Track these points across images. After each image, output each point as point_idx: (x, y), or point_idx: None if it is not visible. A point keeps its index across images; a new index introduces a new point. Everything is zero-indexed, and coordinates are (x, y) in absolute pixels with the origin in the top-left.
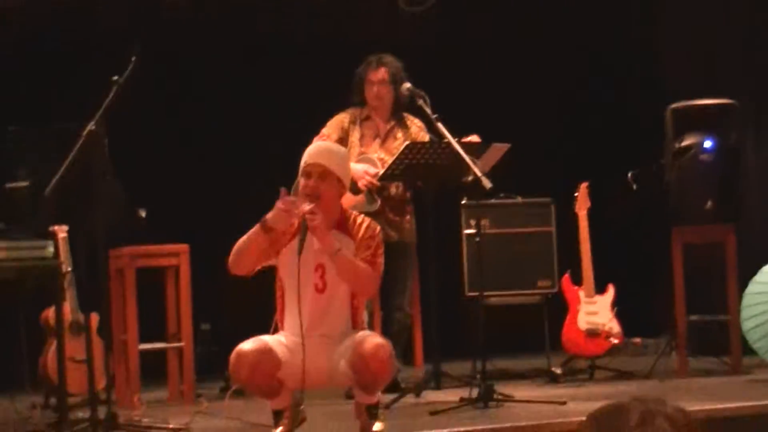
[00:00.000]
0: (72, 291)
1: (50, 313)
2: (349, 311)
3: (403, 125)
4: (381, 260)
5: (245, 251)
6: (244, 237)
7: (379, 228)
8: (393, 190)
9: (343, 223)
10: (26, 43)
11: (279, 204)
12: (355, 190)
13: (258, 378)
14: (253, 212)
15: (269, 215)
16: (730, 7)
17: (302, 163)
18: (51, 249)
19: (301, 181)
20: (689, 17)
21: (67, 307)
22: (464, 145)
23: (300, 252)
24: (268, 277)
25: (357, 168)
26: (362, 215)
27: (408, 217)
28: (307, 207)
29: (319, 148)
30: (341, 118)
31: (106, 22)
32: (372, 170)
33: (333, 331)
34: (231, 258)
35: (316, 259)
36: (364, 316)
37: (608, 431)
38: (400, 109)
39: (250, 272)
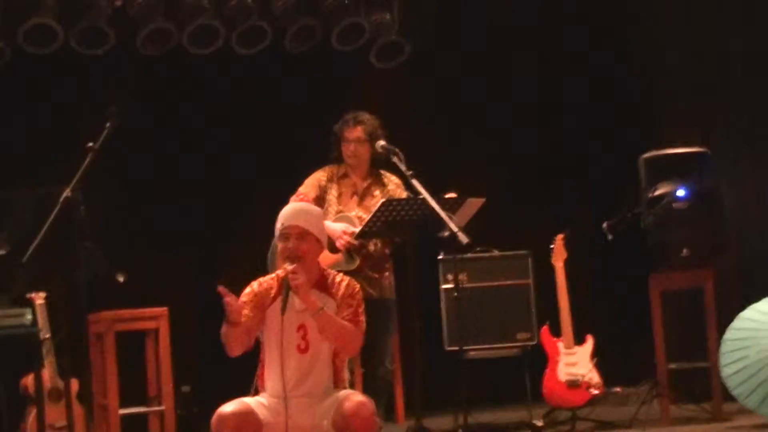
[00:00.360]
0: (51, 357)
1: (30, 380)
2: (332, 370)
3: (380, 183)
4: (363, 318)
5: (229, 342)
6: (223, 331)
7: (358, 286)
8: (372, 247)
9: (322, 283)
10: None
11: (234, 305)
12: (334, 249)
13: None
14: (232, 274)
15: (228, 313)
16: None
17: (279, 226)
18: (29, 316)
19: (279, 244)
20: (667, 69)
21: (47, 374)
22: (440, 201)
23: (283, 312)
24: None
25: (335, 227)
26: (341, 274)
27: (387, 273)
28: (289, 266)
29: (294, 210)
30: (318, 177)
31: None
32: (350, 229)
33: (316, 391)
34: (225, 347)
35: (298, 319)
36: (346, 374)
37: None
38: (378, 166)
39: (251, 347)
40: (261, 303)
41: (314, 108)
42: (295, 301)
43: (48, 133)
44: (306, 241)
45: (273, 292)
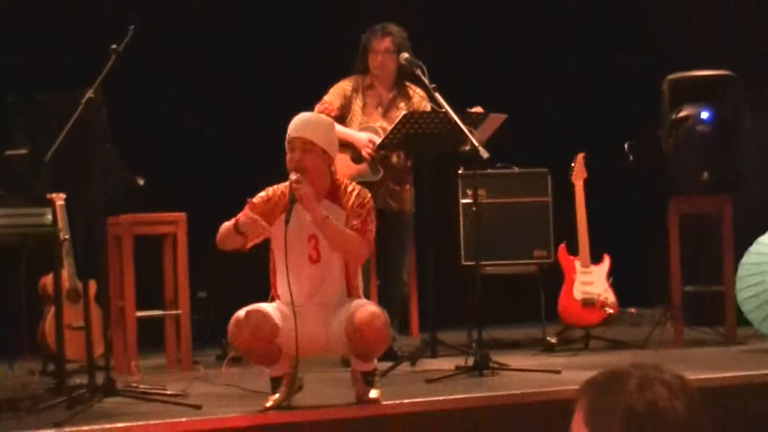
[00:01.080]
0: (70, 258)
1: (48, 280)
2: (344, 279)
3: (405, 95)
4: (372, 227)
5: (226, 241)
6: (224, 228)
7: (369, 196)
8: (394, 159)
9: (333, 192)
10: (23, 10)
11: (245, 218)
12: (359, 158)
13: (257, 342)
14: (251, 181)
15: (241, 219)
16: None
17: (287, 136)
18: (49, 216)
19: (287, 153)
20: None
21: (65, 274)
22: (462, 115)
23: (287, 222)
24: (265, 246)
25: (361, 136)
26: (353, 184)
27: (408, 186)
28: (293, 177)
29: (301, 121)
30: (344, 86)
31: None
32: (376, 139)
33: (328, 300)
34: (217, 239)
35: (309, 229)
36: (361, 285)
37: (606, 397)
38: (403, 78)
39: (240, 250)
40: (272, 210)
41: (339, 21)
42: (305, 212)
43: (72, 35)
44: (310, 152)
45: (285, 200)
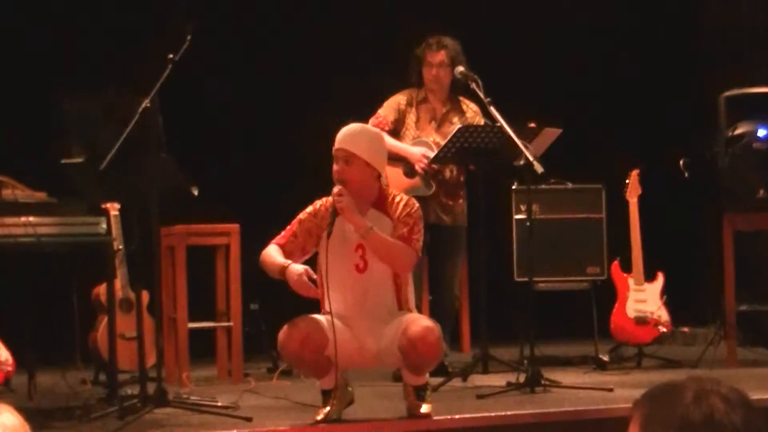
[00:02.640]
0: (123, 268)
1: (101, 289)
2: (393, 290)
3: (459, 109)
4: (418, 236)
5: (267, 271)
6: (268, 258)
7: (417, 205)
8: (447, 173)
9: (381, 203)
10: (79, 16)
11: (299, 284)
12: (412, 173)
13: (307, 353)
14: (304, 191)
15: (289, 273)
16: None
17: (333, 148)
18: (104, 225)
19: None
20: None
21: (118, 284)
22: (516, 129)
23: (329, 235)
24: (317, 258)
25: (415, 151)
26: (402, 194)
27: (461, 201)
28: (335, 189)
29: (345, 133)
30: (398, 100)
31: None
32: (429, 154)
33: (378, 312)
34: (261, 261)
35: (355, 239)
36: (412, 298)
37: (662, 408)
38: (457, 92)
39: None
40: (319, 224)
41: (392, 33)
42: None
43: (128, 43)
44: (352, 164)
45: (327, 214)
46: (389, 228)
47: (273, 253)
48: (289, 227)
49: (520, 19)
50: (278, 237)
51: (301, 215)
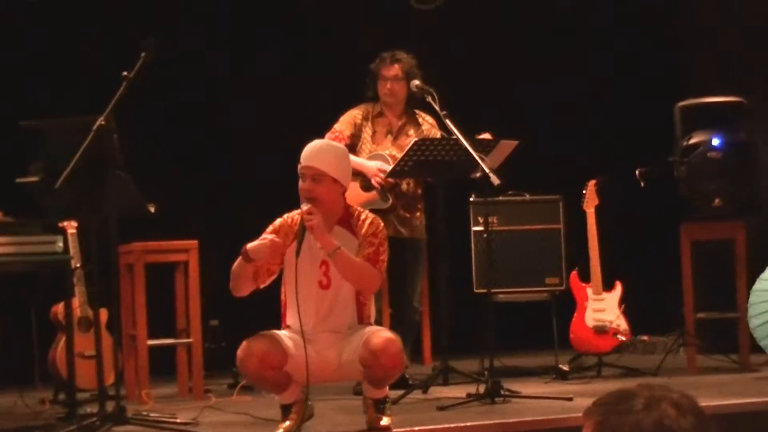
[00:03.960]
0: (81, 287)
1: (60, 308)
2: (355, 306)
3: (415, 122)
4: (384, 257)
5: (238, 279)
6: (234, 266)
7: (382, 224)
8: (405, 186)
9: (346, 220)
10: (33, 37)
11: (266, 242)
12: (368, 186)
13: (266, 370)
14: (262, 208)
15: (251, 246)
16: (743, 4)
17: (299, 164)
18: (61, 244)
19: (299, 182)
20: (701, 14)
21: (77, 302)
22: (473, 142)
23: (298, 253)
24: (282, 274)
25: (371, 165)
26: (367, 211)
27: (419, 214)
28: (304, 207)
29: (312, 150)
30: (354, 114)
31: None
32: (386, 167)
33: (340, 327)
34: (230, 284)
35: (320, 255)
36: (372, 312)
37: (613, 416)
38: (413, 105)
39: (256, 289)
40: (283, 240)
41: (349, 47)
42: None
43: (83, 62)
44: (321, 182)
45: (295, 229)
46: (354, 246)
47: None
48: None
49: (476, 31)
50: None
51: (264, 235)
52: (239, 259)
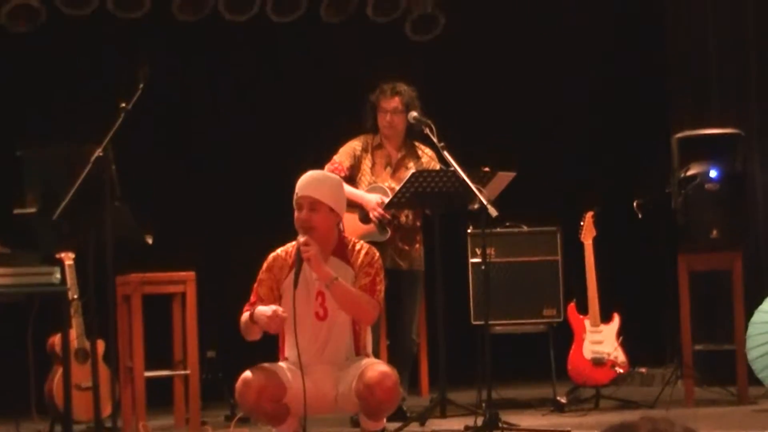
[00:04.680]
0: (78, 318)
1: (57, 339)
2: (352, 337)
3: (414, 155)
4: (381, 287)
5: (247, 332)
6: (242, 322)
7: (378, 254)
8: (403, 219)
9: (341, 250)
10: (32, 65)
11: (272, 317)
12: (367, 219)
13: (264, 403)
14: (260, 240)
15: (258, 314)
16: (736, 34)
17: (294, 194)
18: (58, 275)
19: (295, 213)
20: (694, 45)
21: (74, 334)
22: (470, 173)
23: (296, 285)
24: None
25: (370, 198)
26: (362, 242)
27: (417, 246)
28: (301, 239)
29: (308, 180)
30: (353, 146)
31: (112, 45)
32: (385, 200)
33: (337, 358)
34: (241, 332)
35: (316, 286)
36: (369, 342)
37: None
38: (413, 137)
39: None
40: (278, 275)
41: (346, 79)
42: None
43: (80, 93)
44: (318, 211)
45: (291, 261)
46: (350, 276)
47: (244, 317)
48: (253, 293)
49: (472, 63)
50: (247, 305)
51: (260, 276)
52: (246, 318)
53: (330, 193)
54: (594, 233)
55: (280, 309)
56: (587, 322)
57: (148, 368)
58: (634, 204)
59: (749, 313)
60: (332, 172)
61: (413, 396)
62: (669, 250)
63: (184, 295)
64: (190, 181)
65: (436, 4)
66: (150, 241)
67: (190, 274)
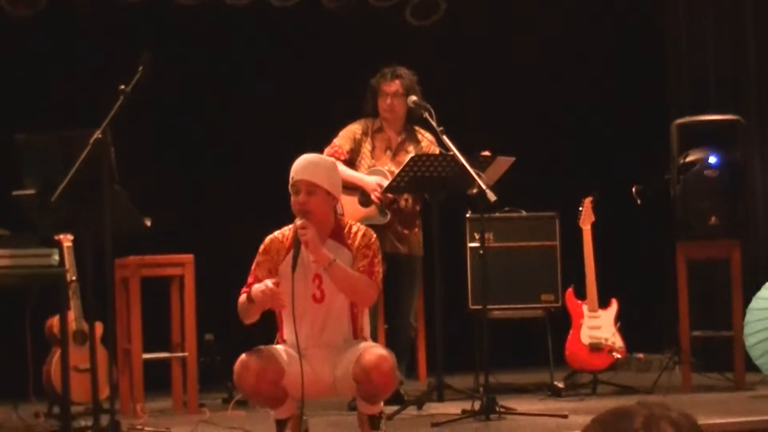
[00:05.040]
0: (76, 300)
1: (54, 321)
2: (350, 320)
3: (414, 138)
4: (379, 268)
5: (245, 314)
6: (240, 303)
7: (375, 236)
8: (403, 203)
9: (338, 233)
10: (32, 49)
11: (266, 292)
12: (367, 202)
13: (262, 385)
14: (258, 224)
15: (254, 291)
16: (737, 24)
17: (290, 179)
18: (56, 257)
19: (292, 196)
20: (695, 34)
21: (72, 316)
22: (469, 158)
23: (294, 268)
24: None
25: (370, 180)
26: (358, 224)
27: (416, 230)
28: (298, 222)
29: (304, 163)
30: (353, 129)
31: (112, 29)
32: (384, 183)
33: (334, 341)
34: (239, 314)
35: (313, 269)
36: (367, 327)
37: None
38: (413, 121)
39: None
40: (275, 261)
41: (347, 65)
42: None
43: (80, 76)
44: (315, 195)
45: (288, 244)
46: (348, 258)
47: (241, 298)
48: (250, 275)
49: (472, 47)
50: (244, 287)
51: (258, 258)
52: (243, 299)
53: (326, 176)
54: (592, 219)
55: (270, 282)
56: (585, 308)
57: (146, 351)
58: (633, 190)
59: (747, 300)
60: (332, 155)
61: (411, 380)
62: (668, 237)
63: (182, 277)
64: (189, 164)
65: None
66: (148, 224)
67: (189, 257)
